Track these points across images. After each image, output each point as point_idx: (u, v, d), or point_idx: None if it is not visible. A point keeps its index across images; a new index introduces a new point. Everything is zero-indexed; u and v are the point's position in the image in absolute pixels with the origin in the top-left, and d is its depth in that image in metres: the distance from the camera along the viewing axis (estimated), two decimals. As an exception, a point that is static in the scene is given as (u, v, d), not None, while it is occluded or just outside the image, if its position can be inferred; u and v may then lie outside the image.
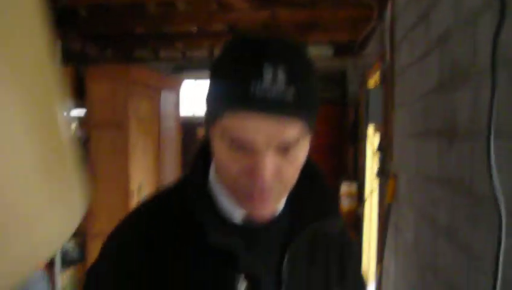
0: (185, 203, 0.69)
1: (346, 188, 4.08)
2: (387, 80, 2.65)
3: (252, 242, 0.69)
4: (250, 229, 0.70)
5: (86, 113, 3.50)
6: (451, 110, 1.47)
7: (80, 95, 3.52)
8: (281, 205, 0.72)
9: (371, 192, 3.06)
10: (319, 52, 4.62)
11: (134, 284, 0.66)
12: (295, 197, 0.73)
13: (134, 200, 3.35)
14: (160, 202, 0.74)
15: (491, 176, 0.98)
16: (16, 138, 0.41)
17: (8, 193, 0.41)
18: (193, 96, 5.20)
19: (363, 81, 3.75)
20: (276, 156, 0.61)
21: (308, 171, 0.72)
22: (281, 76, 0.57)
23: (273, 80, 0.57)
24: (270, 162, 0.60)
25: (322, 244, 0.77)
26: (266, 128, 0.58)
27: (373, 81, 3.14)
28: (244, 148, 0.60)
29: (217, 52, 4.57)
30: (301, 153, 0.64)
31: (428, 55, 1.82)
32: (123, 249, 0.70)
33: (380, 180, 2.93)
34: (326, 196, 0.76)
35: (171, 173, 4.13)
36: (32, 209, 0.44)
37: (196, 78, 5.16)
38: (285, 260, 0.70)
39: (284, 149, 0.61)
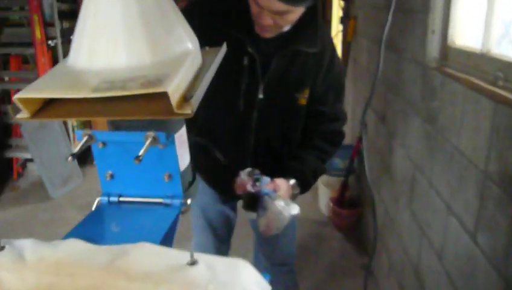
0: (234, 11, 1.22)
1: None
2: None
3: (258, 45, 1.23)
4: (259, 38, 1.23)
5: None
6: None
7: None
8: (281, 32, 1.22)
9: (336, 34, 3.69)
10: None
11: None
12: (295, 29, 1.23)
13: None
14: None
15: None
16: None
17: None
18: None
19: None
20: (275, 15, 1.12)
21: (310, 15, 1.22)
22: None
23: None
24: (268, 19, 1.13)
25: (301, 58, 1.26)
26: (273, 5, 1.08)
27: None
28: (261, 8, 1.11)
29: None
30: (293, 15, 1.14)
31: None
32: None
33: (344, 25, 3.53)
34: (312, 29, 1.25)
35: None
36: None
37: None
38: (274, 58, 1.24)
39: (281, 13, 1.12)
